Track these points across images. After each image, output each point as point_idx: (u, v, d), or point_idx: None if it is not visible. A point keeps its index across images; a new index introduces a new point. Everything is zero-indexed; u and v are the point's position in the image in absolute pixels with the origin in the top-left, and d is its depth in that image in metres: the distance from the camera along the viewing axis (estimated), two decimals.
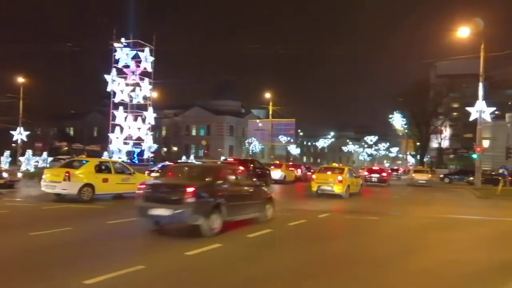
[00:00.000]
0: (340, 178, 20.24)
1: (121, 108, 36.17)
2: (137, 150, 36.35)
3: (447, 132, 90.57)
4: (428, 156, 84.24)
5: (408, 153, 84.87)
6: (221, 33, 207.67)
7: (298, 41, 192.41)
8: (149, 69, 36.63)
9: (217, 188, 9.67)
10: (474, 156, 33.79)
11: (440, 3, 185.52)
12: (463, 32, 29.47)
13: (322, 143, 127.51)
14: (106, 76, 35.57)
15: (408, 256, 8.39)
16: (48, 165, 42.18)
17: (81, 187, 15.03)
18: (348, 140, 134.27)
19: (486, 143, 43.94)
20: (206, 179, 9.80)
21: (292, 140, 70.08)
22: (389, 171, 46.34)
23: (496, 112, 51.22)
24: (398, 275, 6.94)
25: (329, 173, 21.56)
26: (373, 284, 6.40)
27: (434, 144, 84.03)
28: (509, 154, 43.88)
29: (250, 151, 79.47)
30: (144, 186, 9.77)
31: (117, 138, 35.81)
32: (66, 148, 79.07)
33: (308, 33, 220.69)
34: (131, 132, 36.33)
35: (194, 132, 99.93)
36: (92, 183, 15.33)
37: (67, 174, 15.05)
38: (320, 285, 6.31)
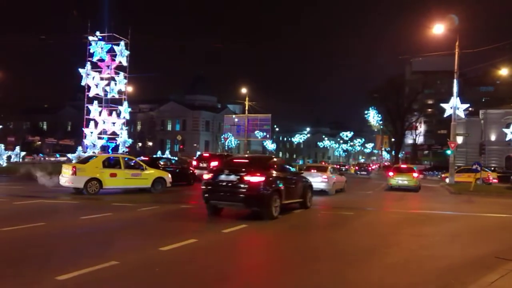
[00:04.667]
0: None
1: (95, 102, 35.42)
2: (112, 145, 35.72)
3: (421, 128, 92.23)
4: (403, 152, 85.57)
5: (383, 148, 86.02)
6: (198, 28, 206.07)
7: (275, 37, 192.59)
8: (124, 63, 35.90)
9: None
10: (448, 152, 34.39)
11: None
12: (438, 28, 29.85)
13: (298, 138, 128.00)
14: (80, 70, 34.78)
15: (383, 250, 8.41)
16: (20, 160, 41.30)
17: (87, 181, 15.93)
18: (323, 136, 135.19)
19: (459, 139, 44.97)
20: None
21: (268, 136, 69.92)
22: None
23: (470, 109, 52.38)
24: (373, 270, 6.93)
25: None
26: (350, 277, 6.36)
27: (408, 140, 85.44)
28: (482, 150, 44.75)
29: (226, 146, 79.20)
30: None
31: (91, 132, 35.06)
32: (39, 142, 77.46)
33: (286, 29, 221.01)
34: (105, 127, 35.66)
35: (169, 127, 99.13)
36: (98, 177, 16.21)
37: (73, 169, 16.06)
38: (302, 278, 6.24)
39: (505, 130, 46.28)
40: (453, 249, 8.81)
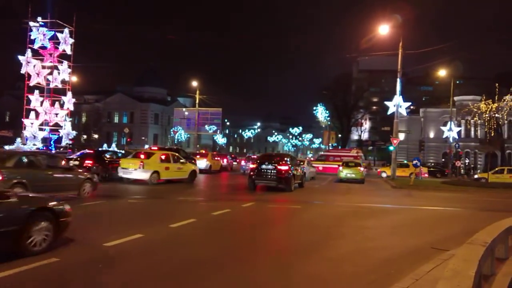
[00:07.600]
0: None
1: (36, 91, 33.83)
2: (54, 137, 34.24)
3: (366, 125, 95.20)
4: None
5: (330, 144, 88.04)
6: (148, 19, 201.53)
7: (227, 31, 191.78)
8: (69, 52, 34.40)
9: None
10: (391, 148, 35.77)
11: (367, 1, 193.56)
12: (383, 29, 30.87)
13: (248, 133, 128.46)
14: (20, 57, 33.01)
15: (328, 243, 8.64)
16: None
17: (151, 174, 18.55)
18: (273, 131, 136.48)
19: (401, 136, 46.92)
20: None
21: (218, 130, 69.63)
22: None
23: (411, 107, 54.70)
24: (319, 262, 7.10)
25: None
26: (296, 271, 6.48)
27: (354, 136, 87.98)
28: (421, 147, 47.15)
29: (176, 140, 78.11)
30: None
31: (31, 123, 33.44)
32: None
33: (238, 23, 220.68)
34: (47, 118, 34.13)
35: (116, 119, 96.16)
36: (158, 170, 18.95)
37: (141, 164, 18.50)
38: (238, 274, 6.28)
39: (442, 128, 48.79)
40: (394, 240, 9.20)
